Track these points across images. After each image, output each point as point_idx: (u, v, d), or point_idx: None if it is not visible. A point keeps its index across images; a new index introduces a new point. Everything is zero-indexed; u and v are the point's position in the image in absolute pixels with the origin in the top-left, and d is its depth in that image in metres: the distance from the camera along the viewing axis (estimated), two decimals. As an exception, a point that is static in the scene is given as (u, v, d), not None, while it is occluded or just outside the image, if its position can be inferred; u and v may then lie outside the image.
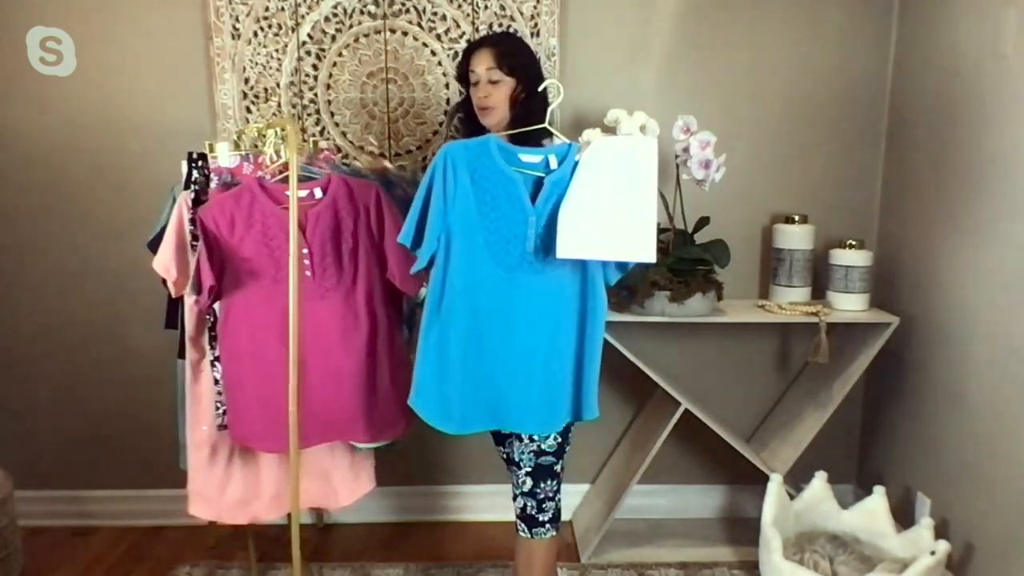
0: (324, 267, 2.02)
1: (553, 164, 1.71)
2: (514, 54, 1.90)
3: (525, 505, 1.90)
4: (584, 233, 1.62)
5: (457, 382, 1.75)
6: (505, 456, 1.98)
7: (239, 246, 1.99)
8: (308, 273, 2.01)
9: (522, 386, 1.75)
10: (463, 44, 2.49)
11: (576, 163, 1.68)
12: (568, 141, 1.75)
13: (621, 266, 1.81)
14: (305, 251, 2.00)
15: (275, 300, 2.01)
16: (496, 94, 1.87)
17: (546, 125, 1.82)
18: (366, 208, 2.07)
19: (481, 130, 1.90)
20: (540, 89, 1.85)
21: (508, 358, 1.74)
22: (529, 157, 1.72)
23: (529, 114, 1.85)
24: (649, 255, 1.65)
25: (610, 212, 1.63)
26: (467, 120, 1.98)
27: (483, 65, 1.87)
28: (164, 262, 2.04)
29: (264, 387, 2.02)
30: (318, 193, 2.05)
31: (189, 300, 2.06)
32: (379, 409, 2.11)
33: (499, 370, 1.75)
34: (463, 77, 1.95)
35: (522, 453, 1.88)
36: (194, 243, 2.03)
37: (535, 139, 1.85)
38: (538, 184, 1.71)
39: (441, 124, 2.55)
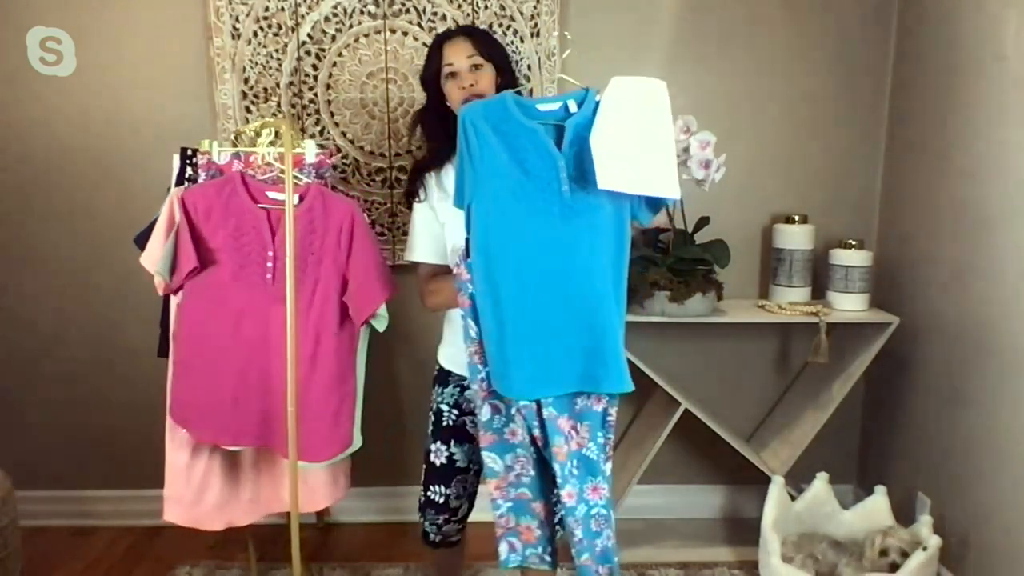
0: (282, 276, 2.00)
1: (573, 108, 1.66)
2: (490, 41, 1.85)
3: None
4: (620, 165, 1.57)
5: (519, 344, 1.60)
6: None
7: (210, 237, 1.99)
8: (269, 276, 2.01)
9: (589, 337, 1.62)
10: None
11: (597, 103, 1.63)
12: (584, 86, 1.69)
13: (653, 206, 1.72)
14: (270, 254, 2.00)
15: (232, 296, 2.01)
16: (483, 80, 1.79)
17: (562, 75, 1.77)
18: (338, 225, 2.03)
19: (454, 137, 1.74)
20: (565, 34, 1.81)
21: (564, 310, 1.61)
22: (547, 106, 1.66)
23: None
24: (675, 192, 1.60)
25: (638, 148, 1.58)
26: (437, 126, 1.87)
27: (462, 54, 1.79)
28: (154, 257, 2.04)
29: (208, 379, 2.02)
30: (294, 199, 2.04)
31: (158, 281, 2.05)
32: (305, 429, 2.04)
33: (559, 325, 1.61)
34: (433, 77, 1.84)
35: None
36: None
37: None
38: (560, 130, 1.64)
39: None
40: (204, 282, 2.01)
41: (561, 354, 1.62)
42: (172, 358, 2.08)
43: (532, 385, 1.62)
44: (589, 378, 1.64)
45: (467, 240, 1.66)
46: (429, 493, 1.94)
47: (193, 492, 2.11)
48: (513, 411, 1.69)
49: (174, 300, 2.08)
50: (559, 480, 1.67)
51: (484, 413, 1.70)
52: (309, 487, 2.20)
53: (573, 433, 1.67)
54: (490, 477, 1.74)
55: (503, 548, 1.75)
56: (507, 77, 1.84)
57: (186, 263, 1.96)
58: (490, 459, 1.73)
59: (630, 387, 1.65)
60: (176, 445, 2.11)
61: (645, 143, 1.57)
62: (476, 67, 1.79)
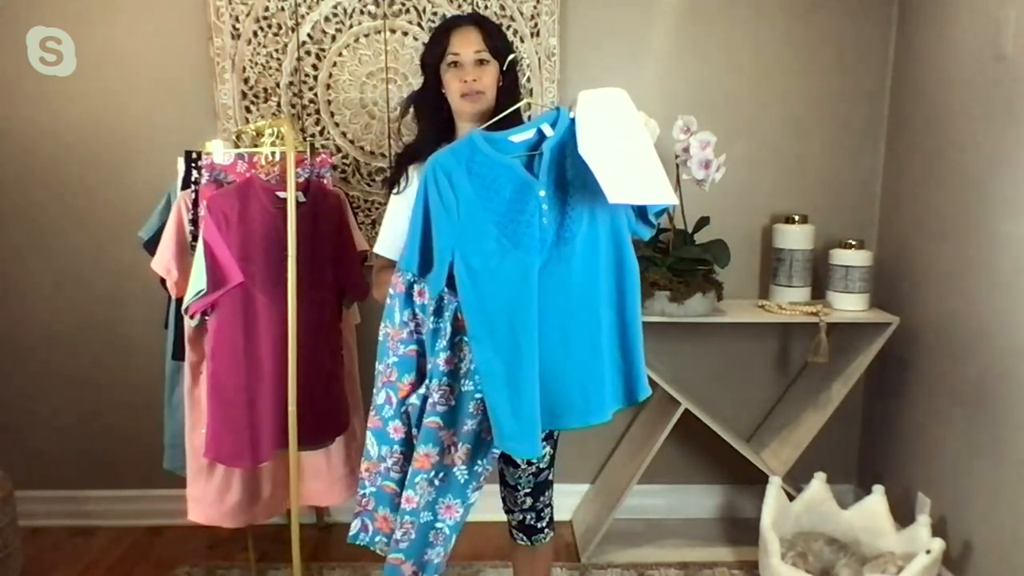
0: (303, 272, 2.02)
1: (548, 132, 1.59)
2: (500, 35, 1.76)
3: (525, 518, 1.88)
4: (622, 177, 1.49)
5: (530, 394, 1.55)
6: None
7: (234, 244, 1.98)
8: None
9: (585, 374, 1.58)
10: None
11: (572, 120, 1.55)
12: (555, 107, 1.62)
13: (647, 219, 1.66)
14: (287, 253, 2.00)
15: (259, 304, 2.01)
16: (486, 77, 1.70)
17: (527, 100, 1.71)
18: (335, 210, 2.13)
19: (449, 123, 1.73)
20: (508, 63, 1.71)
21: (567, 345, 1.56)
22: (520, 136, 1.58)
23: (511, 100, 1.73)
24: (672, 197, 1.55)
25: (629, 159, 1.51)
26: (431, 112, 1.78)
27: (470, 46, 1.69)
28: (164, 262, 2.04)
29: (251, 396, 2.01)
30: (300, 197, 2.05)
31: (189, 301, 1.99)
32: (330, 413, 2.15)
33: (562, 363, 1.57)
34: (435, 62, 1.74)
35: (519, 478, 1.83)
36: (194, 244, 2.02)
37: (512, 123, 1.67)
38: (535, 158, 1.57)
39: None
40: (234, 298, 1.98)
41: (551, 398, 1.58)
42: (208, 392, 2.02)
43: (535, 443, 1.56)
44: (555, 417, 1.60)
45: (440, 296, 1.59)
46: None
47: (215, 491, 2.12)
48: (403, 409, 1.66)
49: (195, 322, 2.02)
50: (406, 482, 1.63)
51: (379, 397, 1.67)
52: (330, 484, 2.22)
53: (452, 448, 1.62)
54: (364, 459, 1.70)
55: (355, 524, 1.72)
56: (509, 79, 1.76)
57: (233, 276, 1.93)
58: (369, 442, 1.68)
59: (608, 416, 1.62)
60: (196, 448, 2.11)
61: (633, 153, 1.52)
62: (482, 62, 1.70)
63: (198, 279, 1.92)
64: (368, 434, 1.69)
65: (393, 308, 1.64)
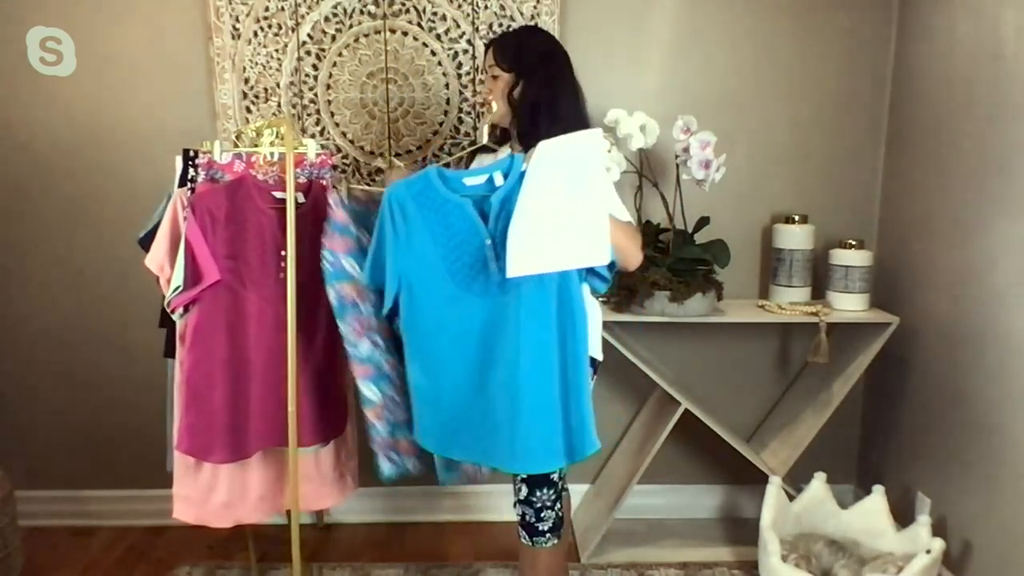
0: (300, 272, 2.00)
1: (499, 180, 1.64)
2: (513, 47, 1.89)
3: (524, 513, 1.87)
4: (534, 246, 1.50)
5: (443, 420, 1.75)
6: None
7: (221, 242, 1.97)
8: (281, 276, 2.00)
9: (513, 420, 1.64)
10: (463, 44, 2.50)
11: (522, 173, 1.58)
12: (513, 152, 1.68)
13: (597, 272, 1.65)
14: (283, 253, 2.00)
15: (248, 302, 2.00)
16: (494, 91, 1.89)
17: (485, 142, 1.89)
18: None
19: (503, 131, 1.97)
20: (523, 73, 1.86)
21: (493, 391, 1.65)
22: (473, 179, 1.67)
23: (530, 110, 1.83)
24: (600, 258, 1.52)
25: (559, 218, 1.50)
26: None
27: (488, 60, 1.91)
28: (158, 259, 2.03)
29: (231, 392, 2.01)
30: (300, 197, 2.05)
31: (171, 296, 1.98)
32: (328, 413, 2.14)
33: (487, 406, 1.67)
34: None
35: None
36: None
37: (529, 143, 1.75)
38: (487, 201, 1.65)
39: (441, 124, 2.56)
40: (217, 295, 1.98)
41: (482, 434, 1.70)
42: (182, 386, 2.02)
43: (440, 449, 1.80)
44: (510, 458, 1.71)
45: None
46: None
47: (201, 490, 2.10)
48: (392, 345, 1.84)
49: (178, 317, 2.02)
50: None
51: (363, 349, 1.83)
52: (317, 487, 2.21)
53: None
54: (367, 406, 1.84)
55: (384, 465, 1.88)
56: (529, 80, 1.86)
57: (209, 275, 1.93)
58: (368, 390, 1.83)
59: (544, 469, 1.73)
60: None
61: (567, 210, 1.51)
62: (494, 77, 1.89)
63: (177, 275, 1.95)
64: (361, 384, 1.84)
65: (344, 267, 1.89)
